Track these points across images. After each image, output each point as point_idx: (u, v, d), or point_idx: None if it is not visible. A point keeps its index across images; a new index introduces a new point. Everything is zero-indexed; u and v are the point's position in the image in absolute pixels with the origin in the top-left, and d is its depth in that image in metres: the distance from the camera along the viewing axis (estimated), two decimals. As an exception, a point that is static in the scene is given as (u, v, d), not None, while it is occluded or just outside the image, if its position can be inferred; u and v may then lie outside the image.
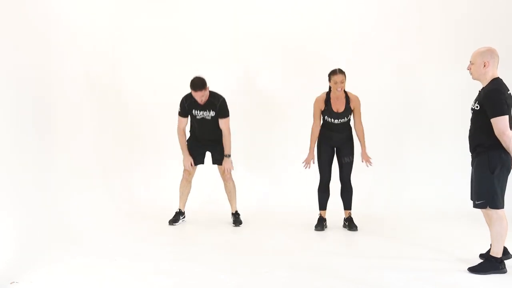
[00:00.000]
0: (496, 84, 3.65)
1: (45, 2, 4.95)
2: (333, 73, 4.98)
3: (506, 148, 3.60)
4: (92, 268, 3.81)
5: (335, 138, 5.12)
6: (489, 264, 3.76)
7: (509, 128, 3.59)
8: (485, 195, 3.68)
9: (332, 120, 5.06)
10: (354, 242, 4.70)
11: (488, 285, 3.54)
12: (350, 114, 5.09)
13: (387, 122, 6.38)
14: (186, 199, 5.40)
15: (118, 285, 3.51)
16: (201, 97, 4.99)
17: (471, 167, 3.91)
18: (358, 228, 5.07)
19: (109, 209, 5.53)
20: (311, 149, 5.06)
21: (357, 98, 5.06)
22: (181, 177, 5.38)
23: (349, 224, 5.13)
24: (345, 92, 5.04)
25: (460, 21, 6.27)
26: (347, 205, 5.19)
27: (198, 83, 4.94)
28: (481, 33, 6.08)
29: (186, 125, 5.27)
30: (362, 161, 5.05)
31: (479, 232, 4.49)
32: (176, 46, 6.44)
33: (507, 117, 3.59)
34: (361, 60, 6.37)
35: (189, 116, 5.23)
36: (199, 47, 6.47)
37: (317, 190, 5.23)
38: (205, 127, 5.22)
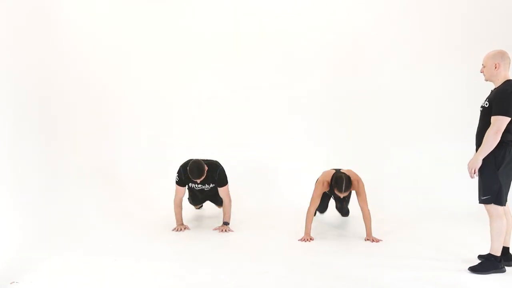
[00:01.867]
0: (508, 85, 3.68)
1: (45, 2, 4.95)
2: (337, 189, 4.59)
3: (488, 145, 3.62)
4: (92, 268, 3.81)
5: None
6: (489, 263, 3.76)
7: (502, 132, 3.61)
8: (490, 191, 3.70)
9: (334, 196, 5.18)
10: (354, 242, 4.69)
11: (488, 285, 3.54)
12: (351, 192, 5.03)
13: (386, 122, 6.38)
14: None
15: (118, 285, 3.51)
16: (200, 181, 4.92)
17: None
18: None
19: (109, 209, 5.53)
20: (307, 230, 4.72)
21: (357, 181, 4.72)
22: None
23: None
24: None
25: (460, 21, 6.27)
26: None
27: (196, 173, 4.78)
28: (481, 33, 6.09)
29: (183, 195, 5.11)
30: (366, 240, 4.68)
31: (479, 232, 4.49)
32: (177, 46, 6.44)
33: (508, 119, 3.61)
34: (361, 59, 6.38)
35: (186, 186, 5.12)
36: (199, 47, 6.48)
37: None
38: (205, 194, 5.31)
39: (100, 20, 6.00)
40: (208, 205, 5.92)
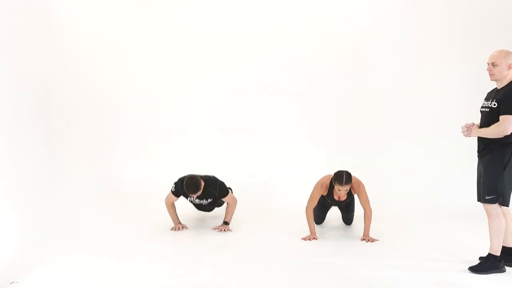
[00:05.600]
0: None
1: (44, 2, 4.95)
2: (338, 182, 4.58)
3: (489, 134, 3.67)
4: (92, 268, 3.81)
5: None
6: (489, 263, 3.76)
7: (508, 133, 3.60)
8: (496, 190, 3.68)
9: (333, 203, 5.01)
10: (354, 242, 4.69)
11: (488, 285, 3.54)
12: (352, 197, 4.94)
13: (387, 122, 6.37)
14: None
15: (118, 285, 3.51)
16: (196, 196, 4.91)
17: (477, 168, 3.89)
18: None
19: (109, 210, 5.53)
20: (311, 229, 4.74)
21: (358, 184, 4.72)
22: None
23: None
24: None
25: (460, 21, 6.26)
26: None
27: (192, 188, 4.76)
28: (481, 33, 6.08)
29: (175, 201, 5.07)
30: (362, 240, 4.67)
31: (478, 231, 4.49)
32: (177, 46, 6.44)
33: None
34: (362, 59, 6.38)
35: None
36: (199, 47, 6.48)
37: None
38: (203, 208, 5.26)
39: (100, 20, 6.00)
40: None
